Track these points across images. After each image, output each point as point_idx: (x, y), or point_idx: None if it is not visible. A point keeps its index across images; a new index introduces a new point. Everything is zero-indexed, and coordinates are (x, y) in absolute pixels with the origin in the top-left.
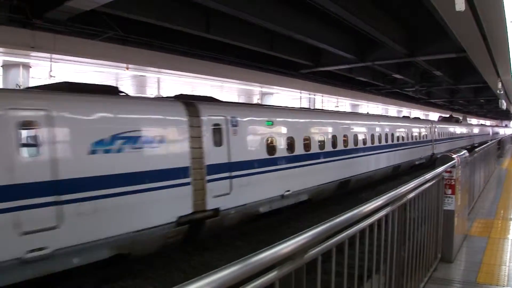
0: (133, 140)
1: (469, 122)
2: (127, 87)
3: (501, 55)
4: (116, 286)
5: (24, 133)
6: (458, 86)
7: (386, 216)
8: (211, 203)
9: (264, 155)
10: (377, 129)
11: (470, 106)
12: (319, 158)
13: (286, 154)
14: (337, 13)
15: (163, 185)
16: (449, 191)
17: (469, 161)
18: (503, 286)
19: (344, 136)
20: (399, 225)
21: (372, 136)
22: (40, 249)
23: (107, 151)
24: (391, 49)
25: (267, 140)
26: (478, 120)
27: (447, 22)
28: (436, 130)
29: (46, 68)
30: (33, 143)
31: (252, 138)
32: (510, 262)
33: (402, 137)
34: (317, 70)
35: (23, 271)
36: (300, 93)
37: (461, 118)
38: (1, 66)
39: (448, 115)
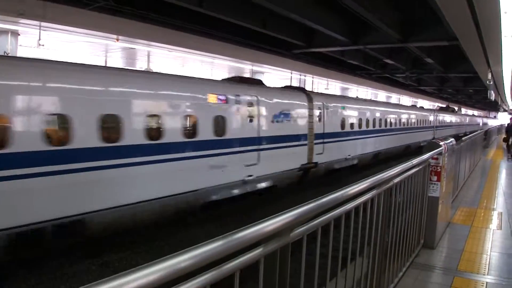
0: (287, 115)
1: (463, 112)
2: (117, 59)
3: (493, 46)
4: (107, 258)
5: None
6: (448, 74)
7: (372, 199)
8: (314, 158)
9: (339, 129)
10: (402, 115)
11: (458, 95)
12: (369, 134)
13: (352, 129)
14: None
15: (298, 143)
16: (435, 178)
17: (455, 149)
18: (484, 274)
19: (382, 119)
20: (384, 208)
21: (398, 120)
22: (250, 175)
23: (278, 121)
24: (384, 33)
25: (342, 119)
26: (471, 111)
27: (441, 8)
28: (437, 118)
29: (35, 36)
30: (251, 116)
31: (335, 117)
32: (491, 251)
33: (414, 122)
34: (309, 51)
35: (244, 187)
36: (291, 73)
37: (456, 108)
38: None
39: (445, 105)
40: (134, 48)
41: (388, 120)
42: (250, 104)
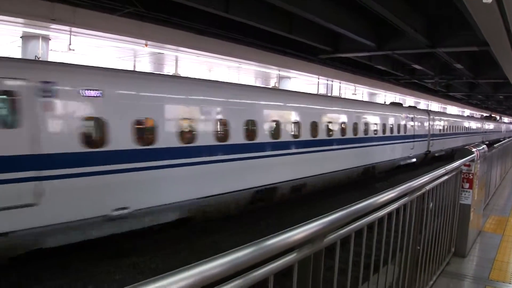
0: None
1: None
2: (145, 64)
3: None
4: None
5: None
6: (477, 80)
7: (404, 206)
8: (429, 148)
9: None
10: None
11: (488, 101)
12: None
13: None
14: None
15: (422, 139)
16: (467, 185)
17: (487, 156)
18: None
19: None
20: (416, 215)
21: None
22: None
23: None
24: (412, 38)
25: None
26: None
27: (472, 14)
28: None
29: (65, 41)
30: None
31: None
32: None
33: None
34: (335, 56)
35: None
36: (318, 78)
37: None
38: (21, 37)
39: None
40: (163, 53)
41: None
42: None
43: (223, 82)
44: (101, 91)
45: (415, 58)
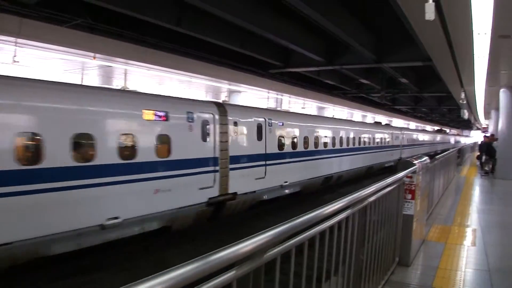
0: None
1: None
2: (93, 77)
3: (466, 66)
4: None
5: None
6: (422, 94)
7: (347, 218)
8: (401, 156)
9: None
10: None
11: (433, 114)
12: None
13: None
14: (309, 14)
15: (397, 149)
16: (409, 196)
17: (429, 167)
18: None
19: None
20: (359, 227)
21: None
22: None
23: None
24: (359, 54)
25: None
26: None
27: (416, 31)
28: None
29: (10, 52)
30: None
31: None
32: (466, 267)
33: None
34: (285, 71)
35: None
36: (268, 92)
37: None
38: None
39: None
40: (111, 66)
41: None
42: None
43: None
44: None
45: (362, 73)
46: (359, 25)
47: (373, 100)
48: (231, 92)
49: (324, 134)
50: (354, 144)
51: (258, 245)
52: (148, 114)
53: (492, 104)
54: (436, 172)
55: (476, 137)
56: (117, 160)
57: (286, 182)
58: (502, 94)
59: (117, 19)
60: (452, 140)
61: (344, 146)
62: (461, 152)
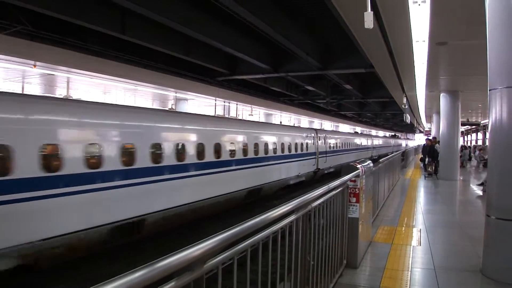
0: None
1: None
2: (35, 86)
3: (407, 72)
4: None
5: None
6: (366, 99)
7: (291, 224)
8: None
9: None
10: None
11: (377, 119)
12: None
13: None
14: (255, 24)
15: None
16: (354, 200)
17: (373, 170)
18: None
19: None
20: (304, 232)
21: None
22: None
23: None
24: (304, 61)
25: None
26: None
27: (357, 39)
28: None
29: None
30: None
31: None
32: (412, 267)
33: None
34: (232, 78)
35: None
36: (215, 100)
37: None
38: None
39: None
40: (53, 74)
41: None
42: None
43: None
44: None
45: (308, 80)
46: (304, 34)
47: (319, 106)
48: (178, 99)
49: None
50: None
51: (196, 256)
52: (310, 137)
53: (433, 108)
54: (380, 175)
55: (420, 140)
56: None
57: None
58: (442, 98)
59: (59, 26)
60: (391, 143)
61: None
62: (405, 154)
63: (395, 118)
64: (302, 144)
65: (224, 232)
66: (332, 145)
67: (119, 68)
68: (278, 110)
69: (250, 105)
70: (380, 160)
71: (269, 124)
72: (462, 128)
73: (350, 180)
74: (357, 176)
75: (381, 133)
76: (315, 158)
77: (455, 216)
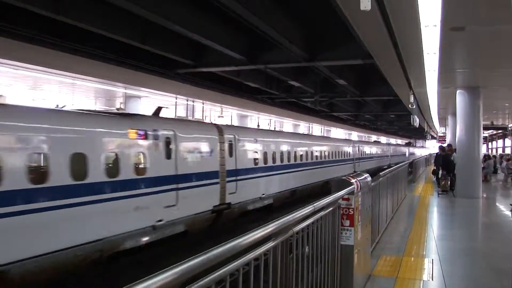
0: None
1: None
2: None
3: (414, 64)
4: None
5: None
6: (364, 98)
7: (267, 253)
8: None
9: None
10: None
11: (378, 121)
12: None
13: None
14: (226, 4)
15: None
16: (347, 223)
17: (372, 186)
18: None
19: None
20: (284, 264)
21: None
22: None
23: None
24: (287, 51)
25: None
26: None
27: (352, 23)
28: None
29: None
30: None
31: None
32: None
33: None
34: (198, 71)
35: None
36: (176, 98)
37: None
38: None
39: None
40: None
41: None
42: None
43: None
44: None
45: (292, 74)
46: (287, 17)
47: (306, 106)
48: (128, 97)
49: None
50: None
51: (167, 282)
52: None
53: (448, 108)
54: (381, 192)
55: (434, 148)
56: None
57: None
58: (459, 96)
59: None
60: (406, 151)
61: None
62: (413, 166)
63: (401, 121)
64: (346, 152)
65: (187, 261)
66: (362, 153)
67: (56, 57)
68: (254, 111)
69: (220, 105)
70: (381, 173)
71: (331, 138)
72: (485, 133)
73: (342, 198)
74: (351, 193)
75: (392, 140)
76: (353, 163)
77: (476, 244)
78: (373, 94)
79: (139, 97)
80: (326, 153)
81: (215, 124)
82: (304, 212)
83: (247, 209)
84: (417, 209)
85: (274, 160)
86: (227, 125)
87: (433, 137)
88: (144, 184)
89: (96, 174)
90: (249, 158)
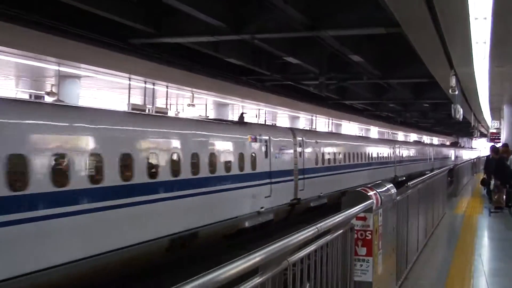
0: None
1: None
2: None
3: (457, 35)
4: None
5: None
6: (388, 80)
7: None
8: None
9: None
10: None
11: (407, 112)
12: None
13: None
14: None
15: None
16: (363, 251)
17: (397, 201)
18: None
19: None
20: None
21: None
22: None
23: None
24: (282, 15)
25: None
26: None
27: None
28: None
29: None
30: None
31: None
32: None
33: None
34: (160, 42)
35: None
36: (129, 79)
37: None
38: None
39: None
40: None
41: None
42: None
43: None
44: None
45: (289, 47)
46: None
47: (308, 92)
48: (63, 77)
49: None
50: None
51: None
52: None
53: (503, 95)
54: (411, 209)
55: (483, 148)
56: None
57: None
58: None
59: None
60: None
61: None
62: (455, 173)
63: (438, 112)
64: (388, 153)
65: None
66: (403, 155)
67: None
68: (238, 98)
69: (190, 89)
70: (410, 184)
71: (375, 139)
72: None
73: (356, 217)
74: (369, 210)
75: (435, 140)
76: (393, 166)
77: None
78: (400, 76)
79: (78, 77)
80: (372, 155)
81: (290, 128)
82: (304, 236)
83: (310, 206)
84: (461, 232)
85: (329, 161)
86: (297, 129)
87: (482, 134)
88: (256, 177)
89: (236, 168)
90: (312, 158)
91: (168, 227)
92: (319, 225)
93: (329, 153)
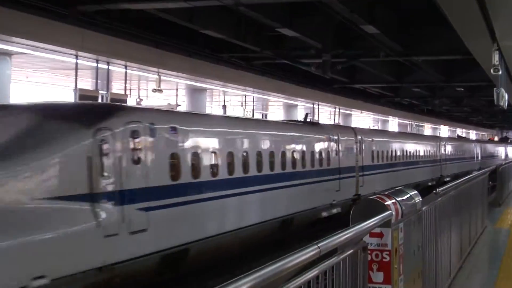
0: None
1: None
2: None
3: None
4: None
5: None
6: (411, 57)
7: None
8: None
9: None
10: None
11: (435, 99)
12: None
13: None
14: None
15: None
16: (379, 276)
17: (422, 212)
18: None
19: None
20: None
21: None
22: None
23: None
24: None
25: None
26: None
27: None
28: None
29: None
30: None
31: None
32: None
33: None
34: (116, 8)
35: None
36: (76, 56)
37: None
38: None
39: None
40: None
41: None
42: None
43: None
44: None
45: (283, 15)
46: None
47: (308, 73)
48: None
49: None
50: None
51: None
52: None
53: None
54: (440, 222)
55: None
56: None
57: None
58: None
59: None
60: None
61: None
62: (498, 177)
63: (475, 99)
64: (435, 151)
65: None
66: (449, 153)
67: None
68: (218, 81)
69: (156, 69)
70: (439, 190)
71: (423, 135)
72: None
73: (370, 233)
74: (387, 224)
75: (472, 134)
76: (439, 164)
77: None
78: (426, 52)
79: (8, 54)
80: (419, 153)
81: (352, 127)
82: (301, 258)
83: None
84: (506, 252)
85: (383, 159)
86: (357, 128)
87: None
88: (330, 173)
89: (317, 164)
90: (369, 156)
91: (281, 210)
92: (321, 243)
93: (383, 151)
